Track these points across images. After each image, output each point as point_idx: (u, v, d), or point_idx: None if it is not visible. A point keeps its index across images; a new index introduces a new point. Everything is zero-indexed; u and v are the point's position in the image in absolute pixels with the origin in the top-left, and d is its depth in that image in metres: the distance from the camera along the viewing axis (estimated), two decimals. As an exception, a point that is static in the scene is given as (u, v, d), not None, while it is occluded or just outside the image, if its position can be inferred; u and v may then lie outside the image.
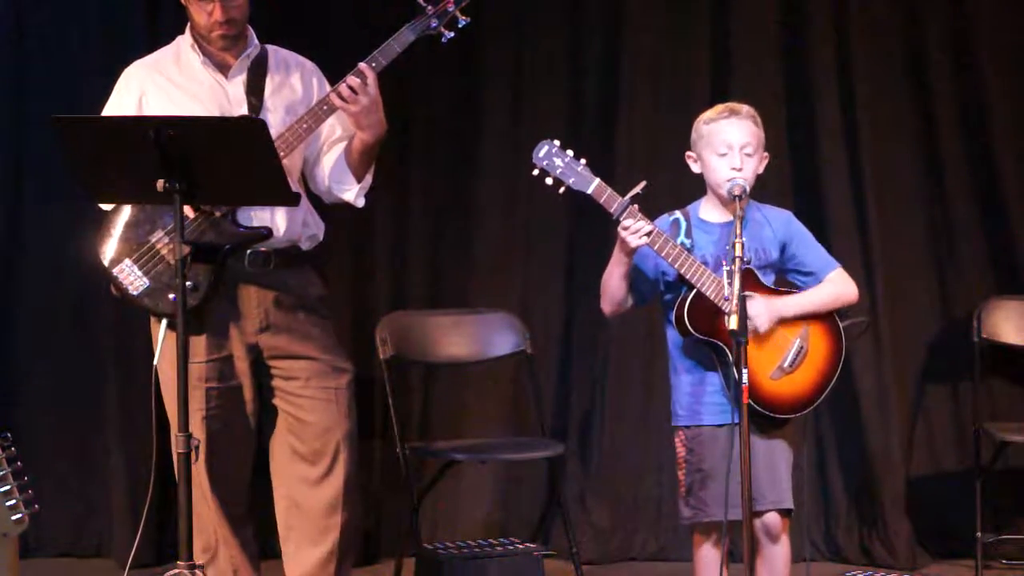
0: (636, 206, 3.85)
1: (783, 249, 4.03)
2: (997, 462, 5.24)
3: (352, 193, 4.22)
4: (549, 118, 5.49)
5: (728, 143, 3.93)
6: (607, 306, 4.06)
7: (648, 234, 3.84)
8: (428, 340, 5.29)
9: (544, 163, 3.89)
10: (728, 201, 3.94)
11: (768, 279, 4.00)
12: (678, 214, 4.04)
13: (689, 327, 3.89)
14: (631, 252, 3.91)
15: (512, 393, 5.56)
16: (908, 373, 5.53)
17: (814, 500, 5.42)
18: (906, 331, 5.52)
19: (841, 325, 4.04)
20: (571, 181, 3.89)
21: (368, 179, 4.24)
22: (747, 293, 3.78)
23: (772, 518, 3.94)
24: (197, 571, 3.71)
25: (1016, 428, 5.16)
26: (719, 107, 4.01)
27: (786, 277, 4.08)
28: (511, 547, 4.90)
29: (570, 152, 3.90)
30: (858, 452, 5.49)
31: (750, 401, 3.74)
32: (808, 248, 4.06)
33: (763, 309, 3.89)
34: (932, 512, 5.47)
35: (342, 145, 4.21)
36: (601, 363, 5.59)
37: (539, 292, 5.63)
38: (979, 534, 5.14)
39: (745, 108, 3.99)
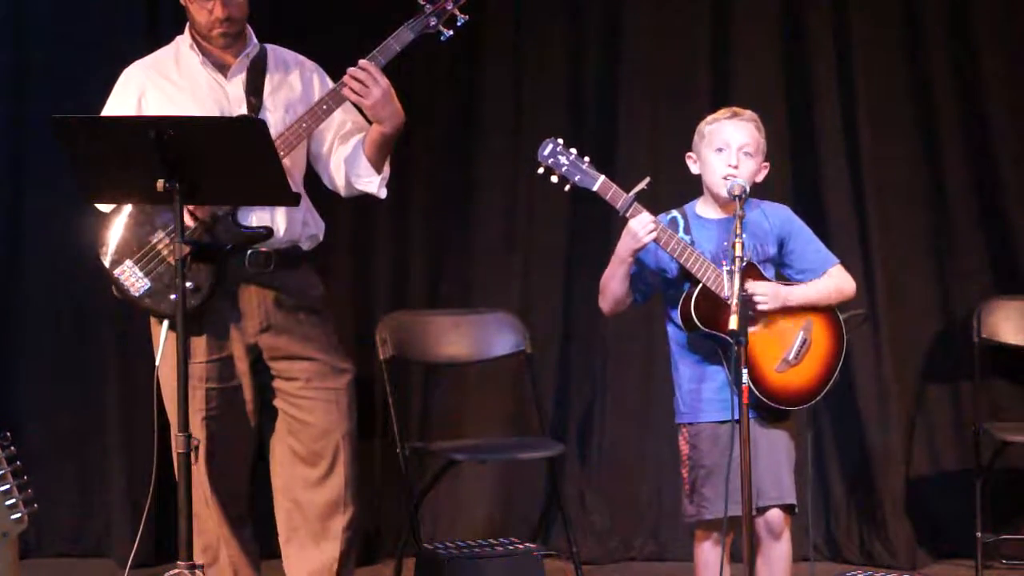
0: (638, 203, 3.87)
1: (781, 245, 4.04)
2: (997, 462, 5.23)
3: (375, 184, 4.21)
4: (549, 119, 5.48)
5: (726, 141, 3.95)
6: (607, 305, 4.07)
7: (654, 230, 3.86)
8: (428, 340, 5.28)
9: (549, 161, 3.91)
10: (725, 201, 3.95)
11: (768, 274, 4.00)
12: (675, 212, 4.06)
13: (696, 321, 3.90)
14: (637, 249, 3.92)
15: (512, 393, 5.56)
16: (908, 373, 5.53)
17: (814, 500, 5.42)
18: (906, 331, 5.52)
19: (841, 317, 4.04)
20: (576, 178, 3.90)
21: (387, 170, 4.23)
22: (749, 283, 3.79)
23: (774, 515, 3.95)
24: (197, 571, 3.72)
25: (1016, 428, 5.16)
26: (722, 109, 4.05)
27: (783, 272, 4.08)
28: (511, 547, 4.89)
29: (574, 150, 3.92)
30: (858, 452, 5.49)
31: (757, 394, 3.75)
32: (806, 244, 4.07)
33: (769, 291, 3.90)
34: (932, 512, 5.46)
35: (356, 138, 4.21)
36: (601, 363, 5.59)
37: (539, 292, 5.63)
38: (979, 534, 5.14)
39: (748, 113, 4.02)
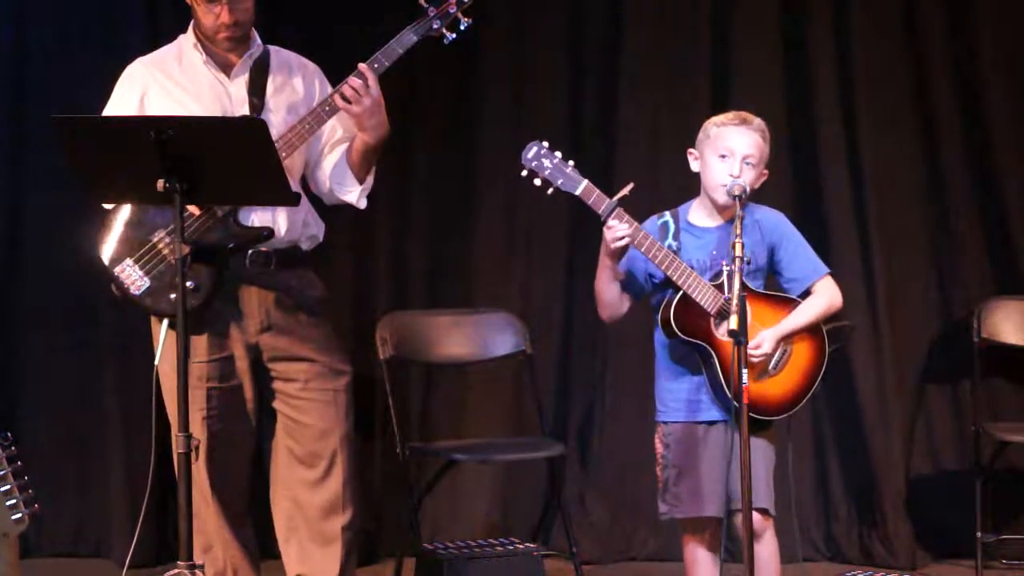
0: (621, 208, 3.86)
1: (771, 252, 4.03)
2: (997, 462, 5.24)
3: (354, 195, 4.23)
4: (549, 119, 5.49)
5: (731, 149, 3.93)
6: (603, 311, 4.08)
7: (630, 236, 3.84)
8: (428, 340, 5.29)
9: (532, 164, 3.90)
10: (721, 205, 3.95)
11: (756, 283, 3.99)
12: (667, 216, 4.05)
13: (675, 329, 3.90)
14: (614, 253, 3.92)
15: (512, 393, 5.56)
16: (908, 373, 5.52)
17: (814, 500, 5.43)
18: (906, 331, 5.52)
19: (824, 329, 4.03)
20: (559, 182, 3.90)
21: (370, 180, 4.24)
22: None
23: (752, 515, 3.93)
24: (197, 571, 3.72)
25: (1016, 428, 5.16)
26: (732, 113, 4.01)
27: (775, 280, 4.07)
28: (511, 547, 4.90)
29: (558, 153, 3.91)
30: (858, 452, 5.49)
31: (735, 403, 3.74)
32: (796, 253, 4.05)
33: (765, 341, 3.90)
34: (932, 512, 5.46)
35: (344, 146, 4.21)
36: (601, 363, 5.59)
37: (539, 292, 5.63)
38: (979, 534, 5.14)
39: (757, 121, 3.99)
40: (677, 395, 3.99)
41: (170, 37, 4.25)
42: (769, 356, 3.93)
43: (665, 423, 4.02)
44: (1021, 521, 5.38)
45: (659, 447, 4.03)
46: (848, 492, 5.51)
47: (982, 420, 5.29)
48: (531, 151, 3.91)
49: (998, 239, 5.53)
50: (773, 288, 4.07)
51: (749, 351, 3.83)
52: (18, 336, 5.56)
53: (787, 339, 3.97)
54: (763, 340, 3.91)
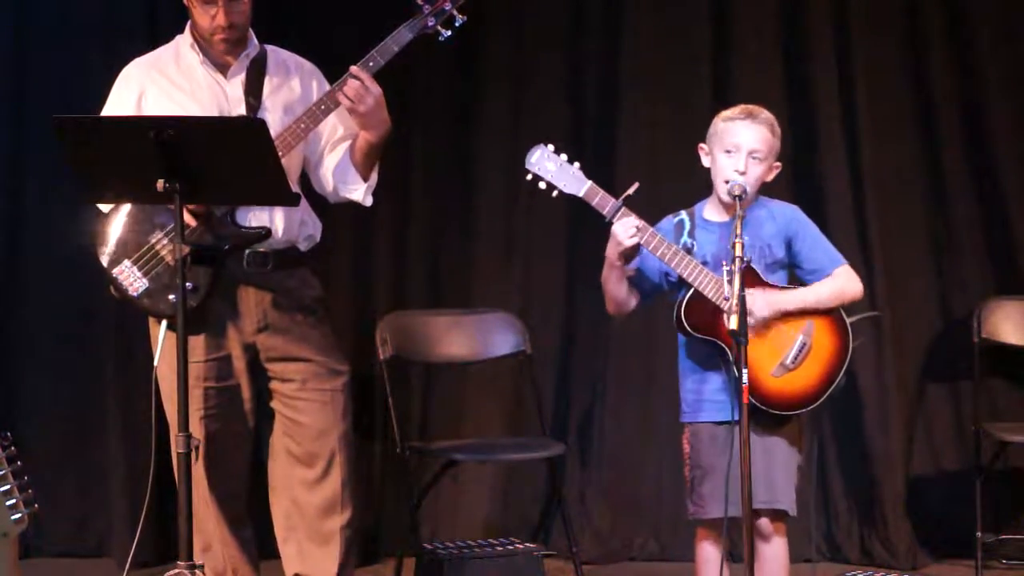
0: (627, 208, 3.86)
1: (788, 245, 4.02)
2: (997, 462, 5.24)
3: (360, 192, 4.22)
4: (549, 119, 5.49)
5: (737, 144, 3.92)
6: (610, 307, 4.07)
7: (637, 235, 3.84)
8: (428, 340, 5.29)
9: (536, 168, 3.89)
10: (728, 204, 3.94)
11: (776, 276, 3.98)
12: (683, 215, 4.04)
13: (687, 327, 3.89)
14: (623, 253, 3.91)
15: (512, 393, 5.56)
16: (908, 373, 5.52)
17: (814, 500, 5.41)
18: (906, 331, 5.52)
19: (848, 321, 4.01)
20: (563, 185, 3.89)
21: (374, 177, 4.24)
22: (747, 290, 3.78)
23: (762, 519, 3.92)
24: (197, 571, 3.72)
25: (1016, 428, 5.16)
26: (739, 107, 3.99)
27: (795, 273, 4.06)
28: (511, 547, 4.89)
29: (563, 156, 3.90)
30: (858, 452, 5.49)
31: (752, 399, 3.73)
32: (813, 244, 4.03)
33: (760, 303, 3.88)
34: (932, 512, 5.46)
35: (345, 145, 4.21)
36: (601, 363, 5.59)
37: (539, 292, 5.63)
38: (979, 534, 5.14)
39: (765, 114, 3.97)
40: (699, 395, 3.98)
41: (170, 37, 4.25)
42: (759, 314, 3.89)
43: (691, 424, 4.01)
44: (1021, 521, 5.38)
45: (686, 447, 4.02)
46: (848, 492, 5.51)
47: (982, 420, 5.29)
48: (535, 154, 3.90)
49: (998, 239, 5.53)
50: (792, 282, 4.05)
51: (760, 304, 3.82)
52: (18, 336, 5.56)
53: (796, 318, 3.94)
54: (759, 297, 3.87)
